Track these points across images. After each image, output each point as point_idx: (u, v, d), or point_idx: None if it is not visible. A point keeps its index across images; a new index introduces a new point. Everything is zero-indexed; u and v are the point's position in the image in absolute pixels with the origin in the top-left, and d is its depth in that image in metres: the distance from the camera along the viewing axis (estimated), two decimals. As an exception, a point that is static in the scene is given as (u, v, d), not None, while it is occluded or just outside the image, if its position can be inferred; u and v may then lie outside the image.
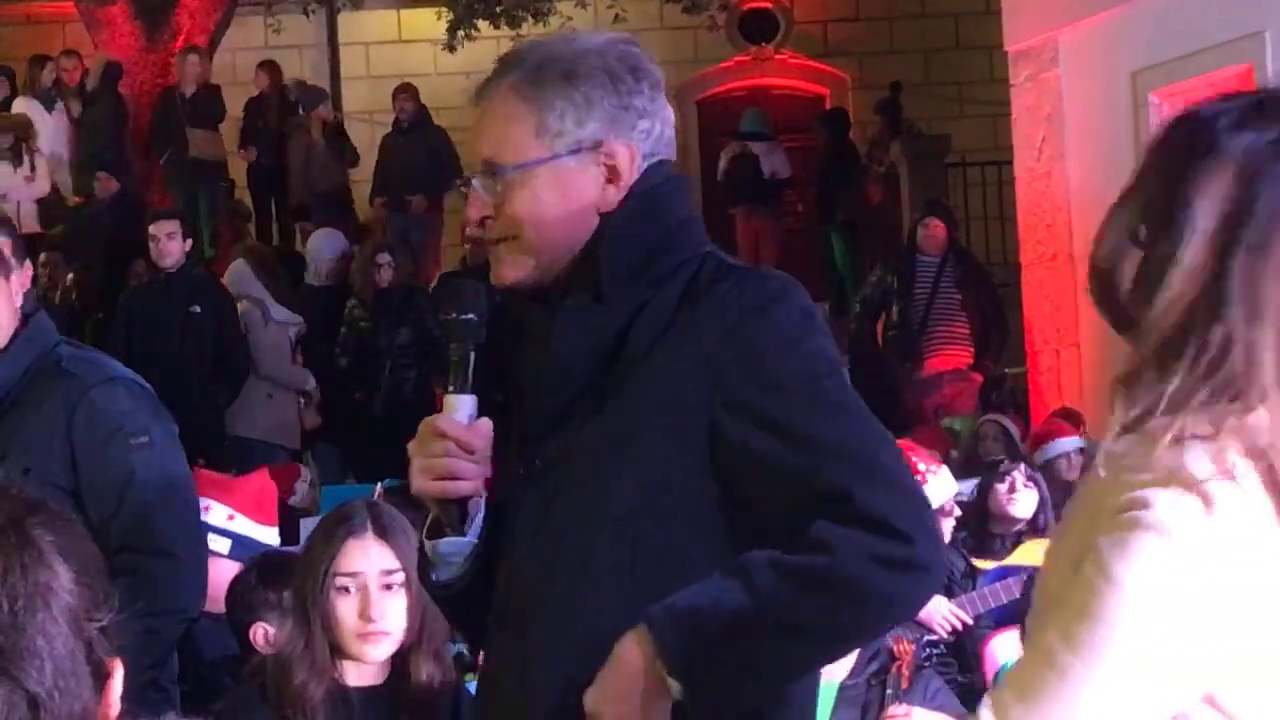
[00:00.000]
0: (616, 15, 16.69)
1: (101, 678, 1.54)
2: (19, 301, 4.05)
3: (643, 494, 2.45)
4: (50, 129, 14.63)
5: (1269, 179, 1.90)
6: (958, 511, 6.29)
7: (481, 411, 2.58)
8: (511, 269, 2.58)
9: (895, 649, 5.42)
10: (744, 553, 2.39)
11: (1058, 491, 6.74)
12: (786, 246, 16.33)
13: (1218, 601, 1.83)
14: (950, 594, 6.21)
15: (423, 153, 14.87)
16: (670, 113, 2.62)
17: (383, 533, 3.64)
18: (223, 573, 4.62)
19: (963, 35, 18.61)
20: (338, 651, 3.59)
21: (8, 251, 4.05)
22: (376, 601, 3.59)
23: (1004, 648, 5.96)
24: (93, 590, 1.54)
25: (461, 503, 2.58)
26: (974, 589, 6.27)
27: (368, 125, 17.50)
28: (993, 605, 6.14)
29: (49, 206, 14.07)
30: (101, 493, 3.88)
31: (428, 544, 2.65)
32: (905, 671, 5.19)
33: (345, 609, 3.58)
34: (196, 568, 4.06)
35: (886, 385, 11.27)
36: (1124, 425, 1.92)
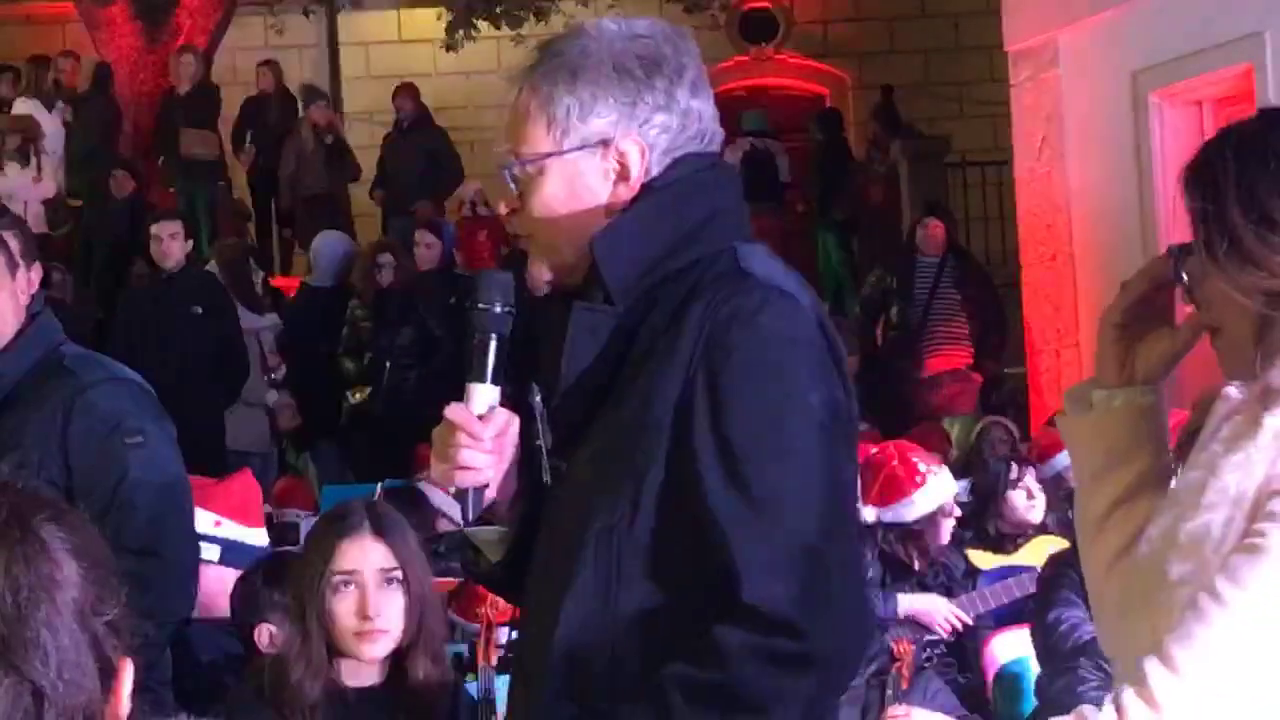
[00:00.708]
0: (618, 15, 16.64)
1: (109, 674, 1.54)
2: (25, 300, 4.05)
3: (629, 507, 2.42)
4: (51, 130, 14.65)
5: None
6: (957, 511, 6.28)
7: (523, 411, 2.59)
8: (535, 266, 2.60)
9: (895, 649, 5.42)
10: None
11: (1064, 502, 6.74)
12: (786, 247, 16.32)
13: None
14: (950, 594, 6.20)
15: (423, 153, 14.87)
16: (703, 105, 2.55)
17: (381, 531, 3.65)
18: (213, 579, 4.61)
19: (963, 35, 18.61)
20: (335, 651, 3.60)
21: (15, 250, 4.05)
22: (374, 600, 3.59)
23: (1004, 648, 5.95)
24: (99, 585, 1.55)
25: (477, 491, 2.58)
26: (974, 589, 6.27)
27: (368, 125, 17.51)
28: (993, 605, 6.13)
29: (55, 208, 14.09)
30: (94, 491, 3.87)
31: (466, 531, 2.71)
32: (905, 672, 5.19)
33: (343, 607, 3.58)
34: (186, 570, 4.05)
35: (890, 386, 11.28)
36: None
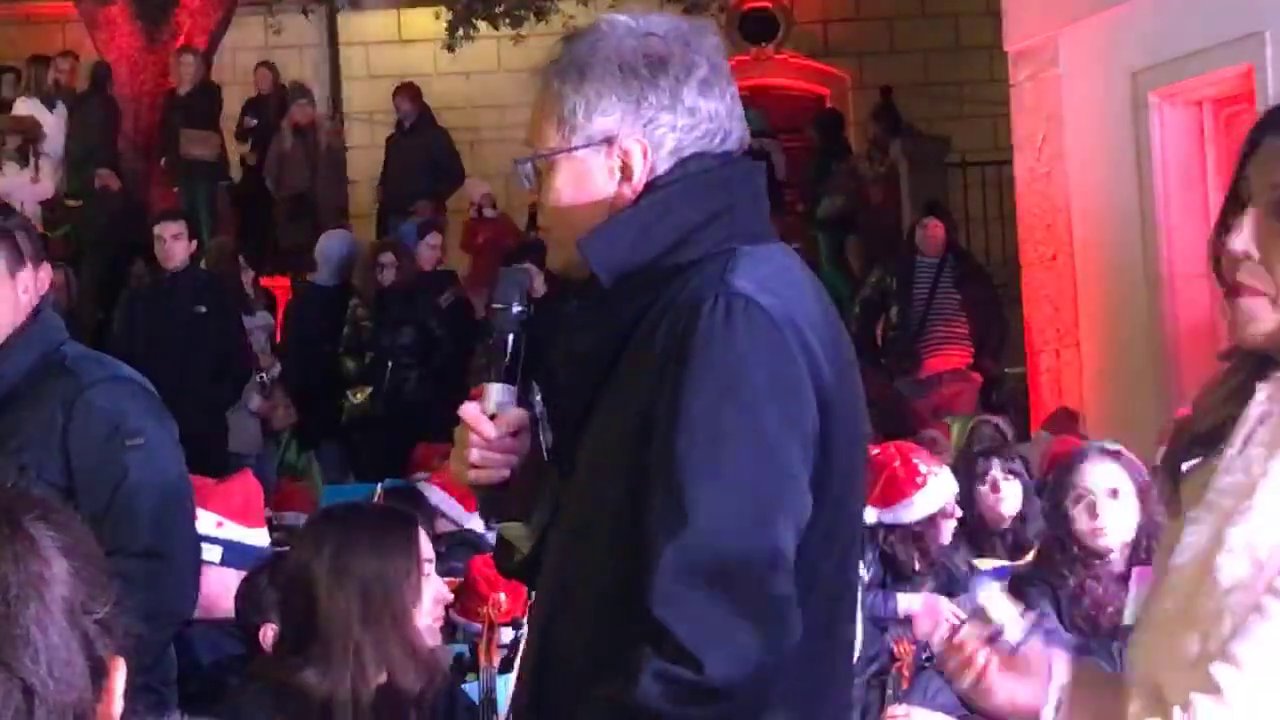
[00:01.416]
0: (630, 12, 16.58)
1: (101, 673, 1.54)
2: (29, 300, 4.03)
3: (615, 509, 2.44)
4: (51, 129, 14.66)
5: None
6: (959, 512, 6.28)
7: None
8: (550, 259, 2.65)
9: (895, 649, 5.42)
10: None
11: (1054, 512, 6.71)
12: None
13: None
14: (950, 594, 6.21)
15: (424, 153, 14.87)
16: (715, 104, 2.54)
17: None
18: (214, 580, 4.61)
19: (963, 35, 18.61)
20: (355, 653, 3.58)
21: (20, 250, 4.04)
22: (441, 588, 3.63)
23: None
24: (89, 584, 1.55)
25: (498, 487, 2.62)
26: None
27: (368, 125, 17.51)
28: None
29: (53, 208, 14.09)
30: (94, 491, 3.86)
31: (495, 527, 2.72)
32: (905, 672, 5.18)
33: (430, 595, 3.60)
34: (186, 571, 4.02)
35: (889, 388, 11.28)
36: None
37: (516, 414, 2.60)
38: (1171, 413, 7.76)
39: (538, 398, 2.61)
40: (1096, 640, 5.00)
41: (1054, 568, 5.23)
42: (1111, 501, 5.23)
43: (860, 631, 4.95)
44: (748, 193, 2.59)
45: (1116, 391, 10.19)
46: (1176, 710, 1.97)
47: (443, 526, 6.81)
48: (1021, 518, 6.75)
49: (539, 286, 8.82)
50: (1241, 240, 2.06)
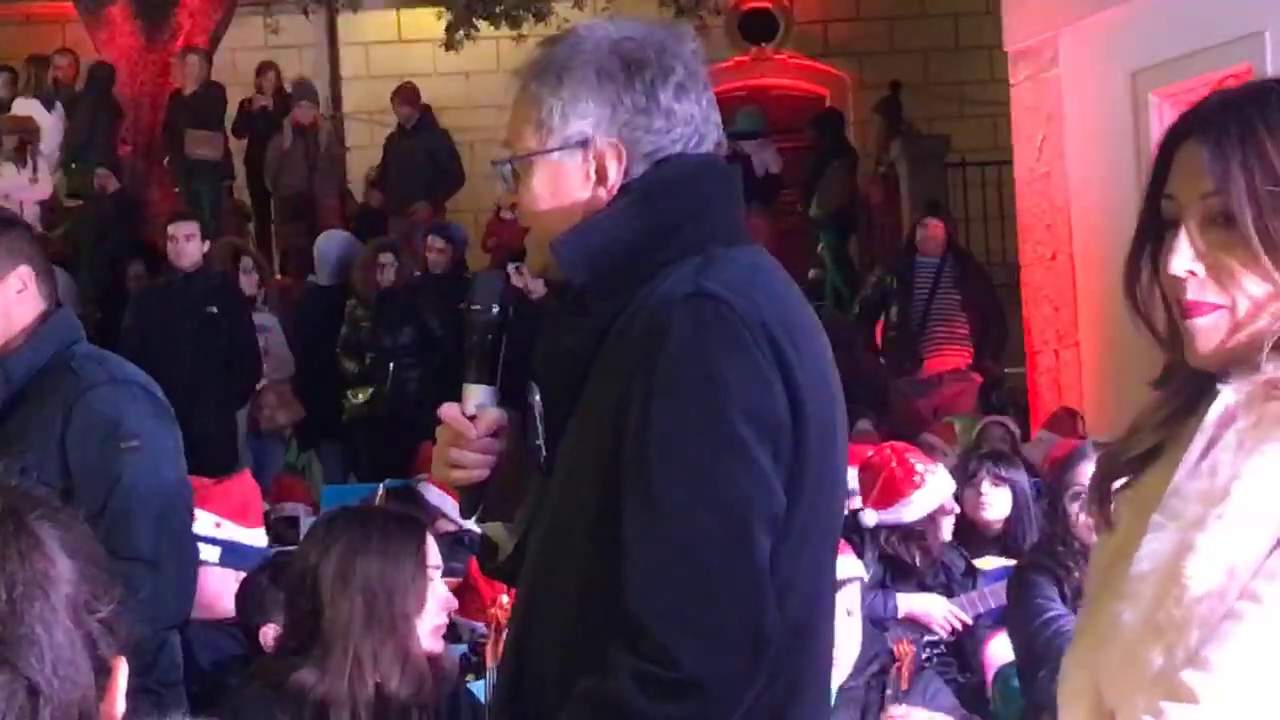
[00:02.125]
0: (610, 17, 16.58)
1: (104, 673, 1.54)
2: (23, 301, 4.02)
3: (592, 508, 2.47)
4: (51, 129, 14.65)
5: None
6: (957, 508, 6.29)
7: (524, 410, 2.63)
8: (529, 261, 2.70)
9: (895, 649, 5.42)
10: None
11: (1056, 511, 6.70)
12: (783, 245, 16.30)
13: None
14: (950, 594, 6.21)
15: (423, 154, 14.87)
16: (691, 107, 2.56)
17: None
18: (214, 581, 4.61)
19: (963, 35, 18.61)
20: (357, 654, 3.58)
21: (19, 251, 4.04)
22: (445, 593, 3.65)
23: (1003, 648, 5.95)
24: (93, 583, 1.55)
25: (478, 487, 2.65)
26: (974, 588, 6.27)
27: (368, 125, 17.51)
28: (993, 606, 6.13)
29: (51, 208, 14.08)
30: (88, 493, 3.85)
31: (479, 527, 2.75)
32: (905, 672, 5.19)
33: (435, 600, 3.60)
34: (176, 577, 3.99)
35: (879, 391, 11.28)
36: None
37: (495, 414, 2.63)
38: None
39: (537, 397, 2.63)
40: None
41: (1058, 560, 5.25)
42: (1109, 498, 5.24)
43: (859, 631, 4.97)
44: (724, 195, 2.61)
45: (1116, 391, 10.19)
46: None
47: (442, 527, 6.82)
48: (1013, 521, 6.75)
49: (538, 288, 8.83)
50: (1182, 261, 2.00)
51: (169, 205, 14.95)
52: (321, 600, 3.53)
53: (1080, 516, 5.21)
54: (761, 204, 16.30)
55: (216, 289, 10.47)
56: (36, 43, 17.12)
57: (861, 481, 6.08)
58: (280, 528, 7.75)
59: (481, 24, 16.37)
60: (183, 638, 4.27)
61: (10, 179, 13.75)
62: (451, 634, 4.69)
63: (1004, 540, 6.74)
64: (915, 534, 6.02)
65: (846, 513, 6.13)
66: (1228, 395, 1.98)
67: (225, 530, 4.76)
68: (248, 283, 11.16)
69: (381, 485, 7.44)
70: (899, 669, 5.20)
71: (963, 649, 6.16)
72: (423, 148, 14.89)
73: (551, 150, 2.56)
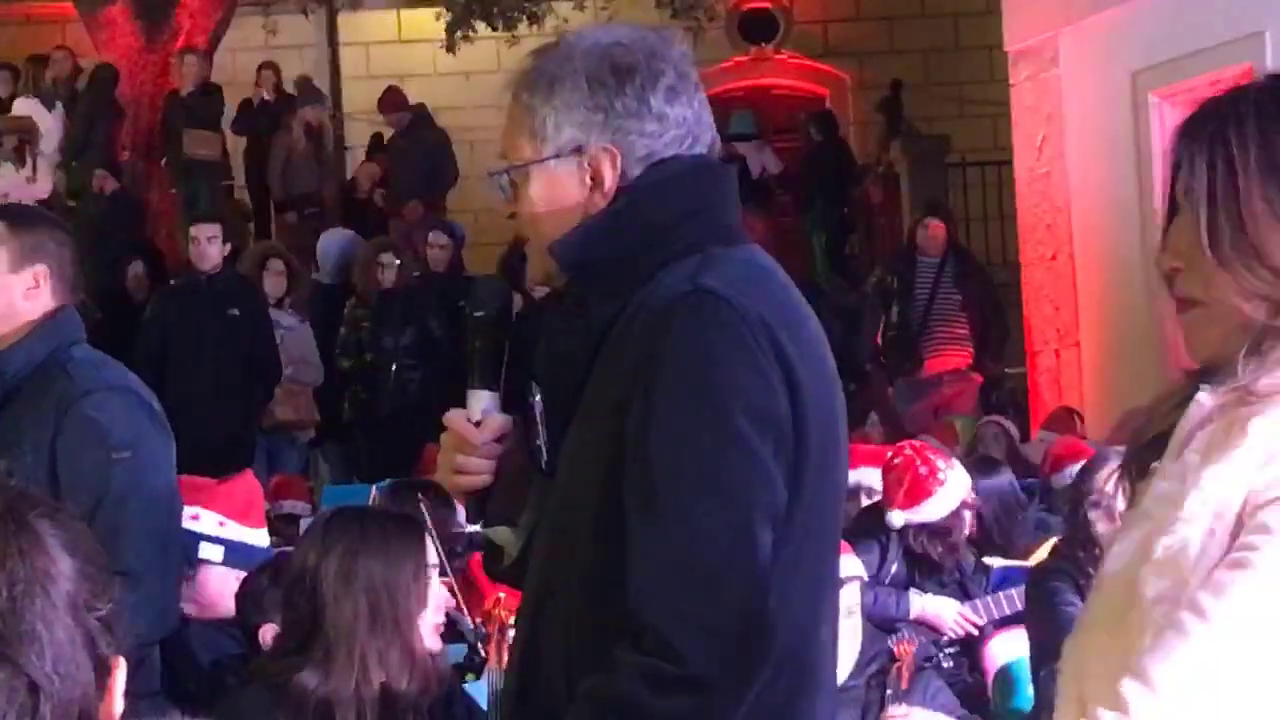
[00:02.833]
0: (609, 18, 16.65)
1: (103, 671, 1.54)
2: (30, 298, 4.01)
3: (595, 508, 2.48)
4: (50, 128, 14.65)
5: None
6: (976, 500, 6.31)
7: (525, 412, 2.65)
8: (530, 269, 2.70)
9: (895, 649, 5.43)
10: None
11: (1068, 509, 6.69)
12: (780, 245, 16.31)
13: None
14: (964, 591, 6.24)
15: (421, 154, 14.88)
16: (683, 110, 2.58)
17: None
18: (216, 580, 4.60)
19: (963, 35, 18.61)
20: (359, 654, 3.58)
21: (15, 249, 4.02)
22: (442, 591, 3.68)
23: (1004, 648, 5.96)
24: (93, 582, 1.56)
25: (483, 492, 2.67)
26: (985, 584, 6.29)
27: (368, 125, 17.51)
28: (1008, 612, 6.14)
29: (50, 208, 14.07)
30: (78, 502, 3.82)
31: (483, 531, 2.76)
32: (905, 672, 5.19)
33: (434, 599, 3.61)
34: (157, 590, 3.92)
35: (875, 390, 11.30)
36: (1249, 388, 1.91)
37: (500, 420, 2.66)
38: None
39: (536, 398, 2.64)
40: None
41: (1078, 565, 5.25)
42: (1128, 505, 5.25)
43: (859, 631, 4.97)
44: (720, 195, 2.63)
45: (1116, 391, 10.19)
46: None
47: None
48: (1001, 522, 6.75)
49: (541, 291, 8.83)
50: (1162, 256, 2.00)
51: (167, 205, 14.96)
52: (323, 601, 3.53)
53: (1100, 523, 5.22)
54: (759, 205, 16.34)
55: (238, 291, 10.49)
56: (36, 43, 17.12)
57: (885, 483, 6.13)
58: (279, 525, 7.75)
59: (481, 24, 16.37)
60: (181, 638, 4.26)
61: (9, 179, 13.75)
62: (451, 633, 4.69)
63: (984, 540, 6.73)
64: (941, 531, 6.08)
65: (873, 513, 6.18)
66: (1204, 398, 1.97)
67: (229, 530, 4.76)
68: (275, 284, 11.14)
69: (374, 488, 7.44)
70: (899, 669, 5.21)
71: (971, 649, 6.18)
72: (420, 148, 14.89)
73: (547, 159, 2.58)
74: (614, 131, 2.56)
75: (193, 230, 10.42)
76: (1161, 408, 2.08)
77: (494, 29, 16.27)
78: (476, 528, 2.82)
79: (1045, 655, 5.26)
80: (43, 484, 3.79)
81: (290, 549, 4.84)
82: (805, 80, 19.69)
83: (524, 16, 16.13)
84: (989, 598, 6.22)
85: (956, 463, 6.29)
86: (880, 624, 5.82)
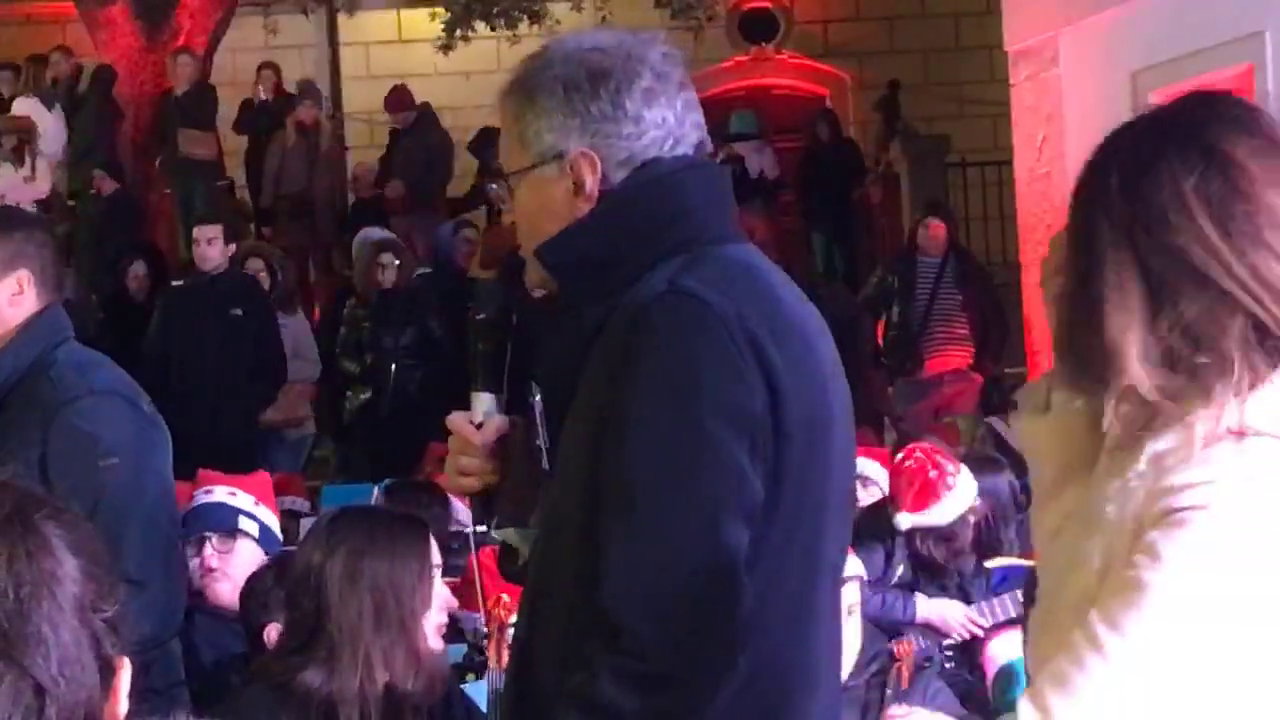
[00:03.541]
0: (604, 17, 16.64)
1: (109, 672, 1.54)
2: (15, 304, 4.00)
3: (581, 509, 2.50)
4: (50, 128, 14.64)
5: None
6: (980, 506, 6.31)
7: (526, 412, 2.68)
8: (526, 274, 2.73)
9: (895, 649, 5.43)
10: None
11: None
12: (782, 245, 16.30)
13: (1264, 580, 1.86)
14: (964, 593, 6.24)
15: (422, 152, 14.88)
16: (662, 112, 2.60)
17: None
18: (249, 554, 4.70)
19: (963, 35, 18.61)
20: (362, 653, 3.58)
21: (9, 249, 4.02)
22: (445, 591, 3.71)
23: (1004, 648, 5.97)
24: (98, 583, 1.56)
25: (488, 493, 2.71)
26: (986, 586, 6.29)
27: (368, 125, 17.50)
28: (1013, 614, 6.14)
29: (50, 208, 14.07)
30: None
31: (495, 532, 2.78)
32: (905, 672, 5.20)
33: (437, 599, 3.63)
34: (161, 593, 3.95)
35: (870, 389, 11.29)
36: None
37: (501, 421, 2.70)
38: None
39: (536, 398, 2.66)
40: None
41: None
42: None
43: (859, 631, 4.98)
44: (708, 195, 2.64)
45: (1116, 391, 10.19)
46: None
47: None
48: (994, 522, 6.75)
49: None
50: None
51: (165, 205, 14.96)
52: (328, 600, 3.53)
53: None
54: (760, 205, 16.32)
55: (242, 291, 10.51)
56: (36, 43, 17.12)
57: (894, 486, 6.14)
58: (283, 517, 7.77)
59: (480, 24, 16.37)
60: (187, 636, 4.26)
61: (8, 179, 13.74)
62: (451, 633, 4.69)
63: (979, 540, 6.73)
64: (946, 535, 6.08)
65: (878, 514, 6.19)
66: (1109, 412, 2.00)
67: (261, 512, 4.82)
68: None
69: (376, 488, 7.45)
70: (899, 669, 5.21)
71: (971, 650, 6.19)
72: (420, 147, 14.90)
73: (532, 166, 2.62)
74: (592, 136, 2.59)
75: (195, 232, 10.46)
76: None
77: (494, 29, 16.27)
78: (481, 528, 2.82)
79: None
80: None
81: (293, 548, 4.86)
82: (805, 80, 19.70)
83: (524, 16, 16.13)
84: (994, 600, 6.23)
85: (965, 469, 6.29)
86: (887, 628, 5.83)
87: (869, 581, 5.78)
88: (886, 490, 6.40)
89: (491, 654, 3.87)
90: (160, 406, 4.21)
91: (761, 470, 2.44)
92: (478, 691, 4.24)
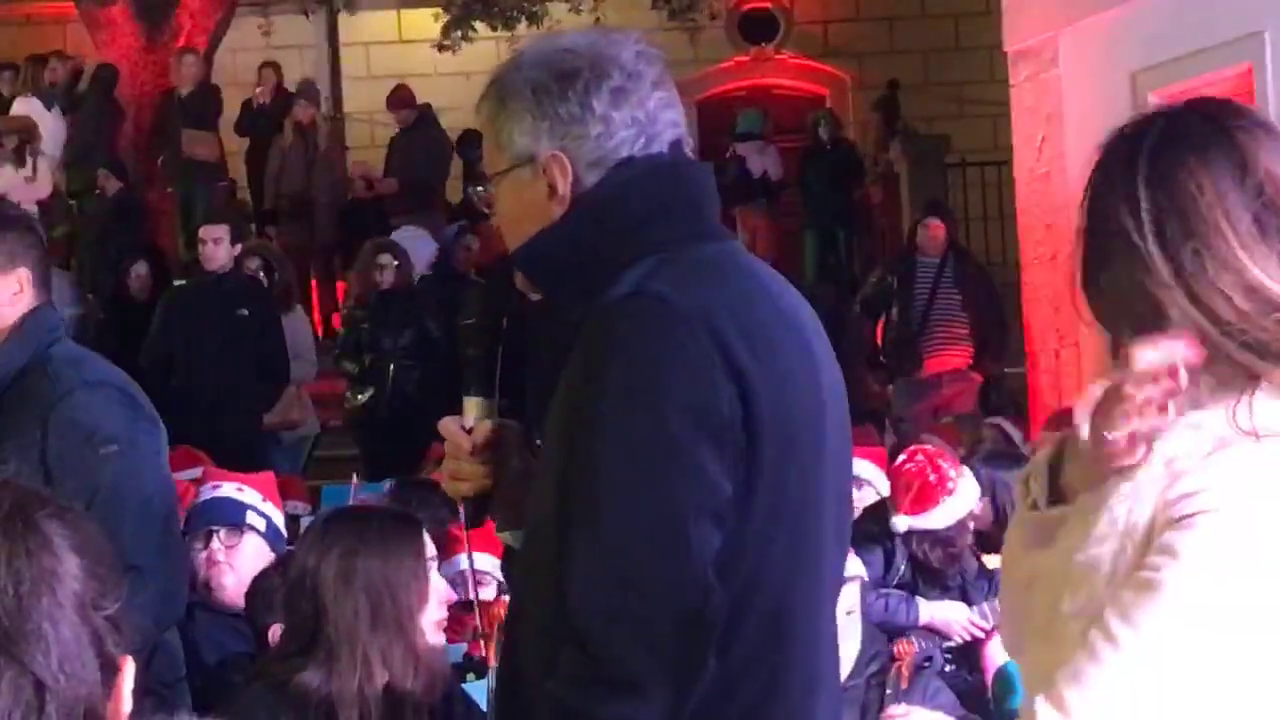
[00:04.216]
0: (599, 18, 16.66)
1: (110, 670, 1.55)
2: (14, 303, 4.00)
3: (553, 508, 2.50)
4: (50, 128, 14.65)
5: None
6: (980, 510, 6.31)
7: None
8: (517, 276, 2.72)
9: (895, 649, 5.43)
10: None
11: None
12: (784, 245, 16.31)
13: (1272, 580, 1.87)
14: (966, 596, 6.23)
15: (422, 152, 14.89)
16: (633, 111, 2.59)
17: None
18: (254, 549, 4.70)
19: (963, 35, 18.62)
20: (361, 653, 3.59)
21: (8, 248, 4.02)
22: (444, 587, 3.68)
23: (1003, 648, 5.96)
24: (100, 581, 1.56)
25: (480, 498, 2.71)
26: (988, 588, 6.29)
27: (368, 125, 17.50)
28: None
29: (51, 208, 14.08)
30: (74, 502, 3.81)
31: (497, 534, 2.79)
32: (905, 672, 5.19)
33: (434, 595, 3.62)
34: (163, 582, 3.96)
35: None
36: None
37: (485, 428, 2.71)
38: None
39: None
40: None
41: None
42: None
43: (859, 631, 4.98)
44: (685, 194, 2.63)
45: (1116, 391, 10.18)
46: None
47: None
48: (996, 523, 6.75)
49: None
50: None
51: (166, 206, 14.96)
52: (323, 601, 3.54)
53: None
54: (763, 205, 16.33)
55: (247, 291, 10.52)
56: (36, 43, 17.13)
57: (894, 488, 6.12)
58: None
59: (479, 24, 16.37)
60: (188, 634, 4.26)
61: (9, 179, 13.75)
62: (452, 632, 4.70)
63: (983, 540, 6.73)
64: (944, 539, 6.06)
65: (878, 515, 6.18)
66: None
67: (268, 509, 4.84)
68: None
69: (385, 485, 7.44)
70: (899, 669, 5.20)
71: (971, 650, 6.18)
72: (421, 146, 14.90)
73: (509, 169, 2.64)
74: (561, 138, 2.59)
75: (201, 232, 10.46)
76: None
77: (493, 29, 16.27)
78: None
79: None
80: None
81: (294, 548, 4.87)
82: (805, 80, 19.70)
83: (523, 16, 16.13)
84: (996, 601, 6.22)
85: (968, 472, 6.26)
86: (890, 631, 5.82)
87: (869, 583, 5.77)
88: (881, 491, 6.38)
89: (491, 653, 3.87)
90: (161, 406, 4.22)
91: (731, 470, 2.42)
92: (478, 691, 4.24)
